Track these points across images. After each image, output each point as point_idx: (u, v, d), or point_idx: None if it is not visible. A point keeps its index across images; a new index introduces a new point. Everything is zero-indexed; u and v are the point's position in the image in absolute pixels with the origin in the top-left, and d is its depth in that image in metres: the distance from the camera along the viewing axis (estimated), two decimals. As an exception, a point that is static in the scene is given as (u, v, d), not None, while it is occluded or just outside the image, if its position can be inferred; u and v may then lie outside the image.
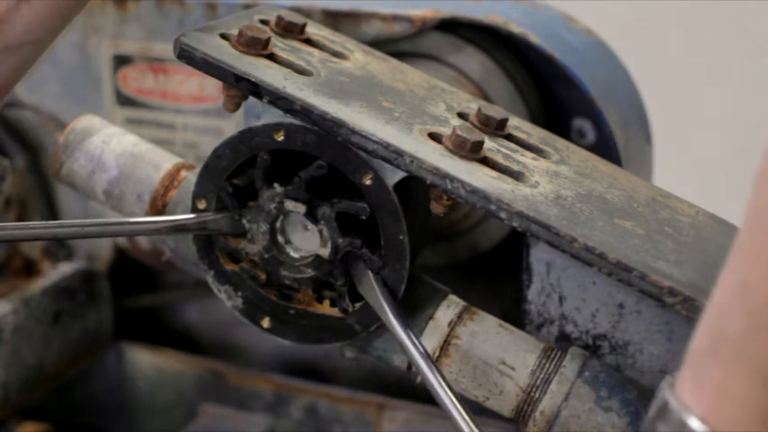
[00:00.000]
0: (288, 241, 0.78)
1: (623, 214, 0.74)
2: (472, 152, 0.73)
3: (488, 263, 1.05)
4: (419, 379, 0.79)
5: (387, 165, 0.72)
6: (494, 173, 0.73)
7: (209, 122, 1.07)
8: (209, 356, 1.17)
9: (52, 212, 1.16)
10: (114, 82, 1.09)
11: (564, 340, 0.77)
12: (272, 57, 0.77)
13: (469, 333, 0.76)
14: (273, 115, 0.75)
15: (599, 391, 0.73)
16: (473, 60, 1.01)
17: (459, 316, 0.77)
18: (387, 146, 0.71)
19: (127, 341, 1.17)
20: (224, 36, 0.77)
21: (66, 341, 1.09)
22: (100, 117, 0.87)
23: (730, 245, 0.77)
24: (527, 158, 0.77)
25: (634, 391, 0.73)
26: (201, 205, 0.78)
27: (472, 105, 0.82)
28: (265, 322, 0.79)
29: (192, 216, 0.78)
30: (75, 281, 1.11)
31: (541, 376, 0.74)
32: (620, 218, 0.74)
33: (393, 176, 0.73)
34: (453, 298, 0.78)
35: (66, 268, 1.12)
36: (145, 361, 1.17)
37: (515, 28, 0.98)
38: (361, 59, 0.84)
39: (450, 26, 1.00)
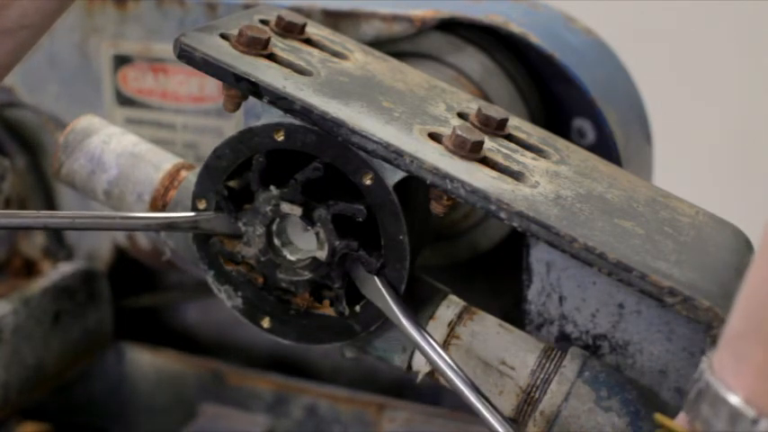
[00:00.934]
0: (284, 244, 0.78)
1: (623, 214, 0.74)
2: (472, 152, 0.73)
3: (488, 263, 1.05)
4: (419, 379, 0.79)
5: (387, 165, 0.72)
6: (494, 173, 0.73)
7: (209, 122, 1.07)
8: (209, 356, 1.17)
9: (52, 212, 1.16)
10: (114, 82, 1.09)
11: (564, 340, 0.77)
12: (272, 57, 0.77)
13: (469, 333, 0.76)
14: (273, 115, 0.75)
15: (599, 391, 0.73)
16: (473, 60, 1.01)
17: (459, 316, 0.77)
18: (387, 146, 0.71)
19: (127, 341, 1.17)
20: (224, 36, 0.77)
21: (66, 341, 1.09)
22: (100, 117, 0.87)
23: (730, 245, 0.77)
24: (527, 158, 0.77)
25: (634, 391, 0.73)
26: (201, 205, 0.78)
27: (472, 105, 0.82)
28: (265, 322, 0.79)
29: (184, 214, 0.78)
30: (75, 281, 1.11)
31: (541, 376, 0.74)
32: (620, 218, 0.74)
33: (393, 176, 0.73)
34: (453, 298, 0.78)
35: (66, 268, 1.12)
36: (145, 361, 1.16)
37: (515, 28, 0.98)
38: (361, 59, 0.84)
39: (451, 26, 1.00)
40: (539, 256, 0.77)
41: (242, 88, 0.74)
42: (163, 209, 0.82)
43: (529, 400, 0.74)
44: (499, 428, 0.69)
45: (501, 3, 1.04)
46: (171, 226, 0.79)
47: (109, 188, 0.83)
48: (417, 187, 0.75)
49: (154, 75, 1.07)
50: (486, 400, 0.70)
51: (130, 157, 0.84)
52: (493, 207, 0.70)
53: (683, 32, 2.15)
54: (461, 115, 0.80)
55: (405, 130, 0.74)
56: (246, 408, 1.12)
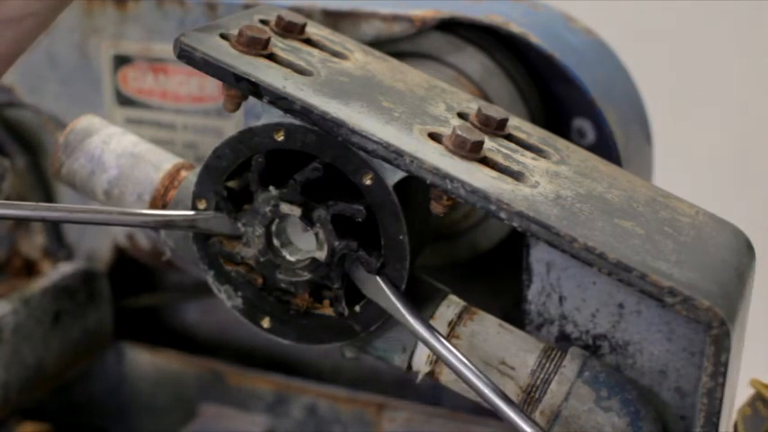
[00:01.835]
0: (284, 244, 0.78)
1: (623, 214, 0.74)
2: (472, 152, 0.73)
3: (488, 263, 1.05)
4: (419, 379, 0.79)
5: (387, 165, 0.72)
6: (494, 173, 0.73)
7: (209, 122, 1.07)
8: (209, 356, 1.17)
9: (52, 212, 1.16)
10: (114, 82, 1.09)
11: (564, 340, 0.77)
12: (272, 57, 0.77)
13: (469, 333, 0.76)
14: (273, 115, 0.75)
15: (599, 391, 0.73)
16: (473, 60, 1.01)
17: (459, 316, 0.77)
18: (387, 146, 0.71)
19: (127, 341, 1.17)
20: (224, 36, 0.77)
21: (66, 341, 1.09)
22: (100, 117, 0.87)
23: (730, 245, 0.77)
24: (527, 158, 0.77)
25: (634, 391, 0.73)
26: (201, 205, 0.78)
27: (472, 105, 0.82)
28: (265, 322, 0.79)
29: (182, 213, 0.78)
30: (75, 281, 1.11)
31: (541, 376, 0.74)
32: (620, 218, 0.74)
33: (393, 176, 0.73)
34: (453, 298, 0.78)
35: (66, 268, 1.12)
36: (145, 361, 1.17)
37: (515, 28, 0.98)
38: (361, 59, 0.84)
39: (451, 26, 1.00)
40: (539, 256, 0.77)
41: (242, 88, 0.74)
42: (163, 209, 0.82)
43: (529, 401, 0.74)
44: (514, 417, 0.69)
45: (501, 3, 1.04)
46: (168, 224, 0.78)
47: (109, 188, 0.83)
48: (417, 187, 0.75)
49: (154, 75, 1.07)
50: (499, 391, 0.70)
51: (130, 157, 0.84)
52: (493, 207, 0.70)
53: (683, 32, 2.15)
54: (461, 115, 0.80)
55: (405, 130, 0.74)
56: (246, 408, 1.12)
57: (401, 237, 0.74)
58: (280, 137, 0.74)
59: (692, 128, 2.13)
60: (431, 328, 0.73)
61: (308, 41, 0.83)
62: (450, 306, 0.78)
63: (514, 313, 0.82)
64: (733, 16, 2.12)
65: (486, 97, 1.00)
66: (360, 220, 0.74)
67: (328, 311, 0.78)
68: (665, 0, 2.10)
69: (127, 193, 0.83)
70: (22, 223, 1.18)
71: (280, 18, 0.82)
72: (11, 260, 1.19)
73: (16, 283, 1.14)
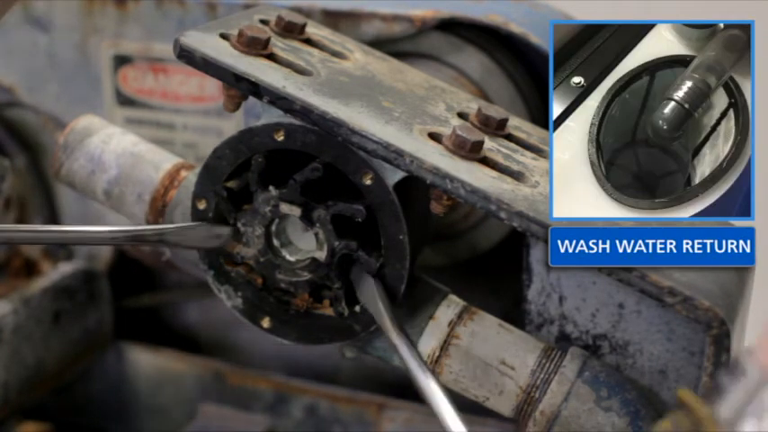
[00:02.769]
0: (283, 244, 0.78)
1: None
2: (472, 152, 0.73)
3: (488, 263, 1.05)
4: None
5: (387, 165, 0.72)
6: (494, 173, 0.73)
7: (209, 122, 1.07)
8: (209, 356, 1.17)
9: (52, 213, 1.16)
10: (114, 82, 1.09)
11: (564, 340, 0.77)
12: (272, 57, 0.77)
13: (470, 333, 0.76)
14: (273, 115, 0.75)
15: (599, 391, 0.73)
16: (473, 60, 1.01)
17: (460, 316, 0.77)
18: (387, 146, 0.71)
19: (127, 341, 1.17)
20: (224, 36, 0.77)
21: (66, 341, 1.09)
22: (100, 117, 0.87)
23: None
24: (527, 158, 0.77)
25: (634, 391, 0.73)
26: (201, 205, 0.78)
27: (472, 105, 0.82)
28: (265, 322, 0.79)
29: (150, 227, 0.78)
30: (75, 281, 1.11)
31: (541, 376, 0.74)
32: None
33: (393, 176, 0.73)
34: (453, 298, 0.78)
35: (66, 268, 1.12)
36: (145, 361, 1.16)
37: (515, 28, 0.98)
38: (361, 59, 0.84)
39: (451, 26, 1.00)
40: (539, 256, 0.77)
41: (242, 88, 0.74)
42: (163, 209, 0.82)
43: (529, 400, 0.74)
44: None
45: (501, 3, 1.04)
46: (137, 239, 0.78)
47: (109, 188, 0.83)
48: (417, 187, 0.75)
49: (154, 75, 1.07)
50: (460, 417, 0.68)
51: (130, 157, 0.84)
52: (493, 207, 0.70)
53: (682, 32, 2.15)
54: (461, 115, 0.80)
55: (405, 130, 0.74)
56: (246, 408, 1.12)
57: (401, 237, 0.74)
58: (280, 137, 0.74)
59: (691, 128, 2.13)
60: (407, 341, 0.72)
61: (308, 41, 0.83)
62: (451, 306, 0.78)
63: (514, 313, 0.82)
64: (733, 16, 2.12)
65: (486, 97, 1.00)
66: (360, 220, 0.74)
67: (328, 311, 0.78)
68: (666, 0, 2.10)
69: (127, 192, 0.83)
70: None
71: (280, 18, 0.82)
72: (11, 260, 1.19)
73: (16, 283, 1.13)
